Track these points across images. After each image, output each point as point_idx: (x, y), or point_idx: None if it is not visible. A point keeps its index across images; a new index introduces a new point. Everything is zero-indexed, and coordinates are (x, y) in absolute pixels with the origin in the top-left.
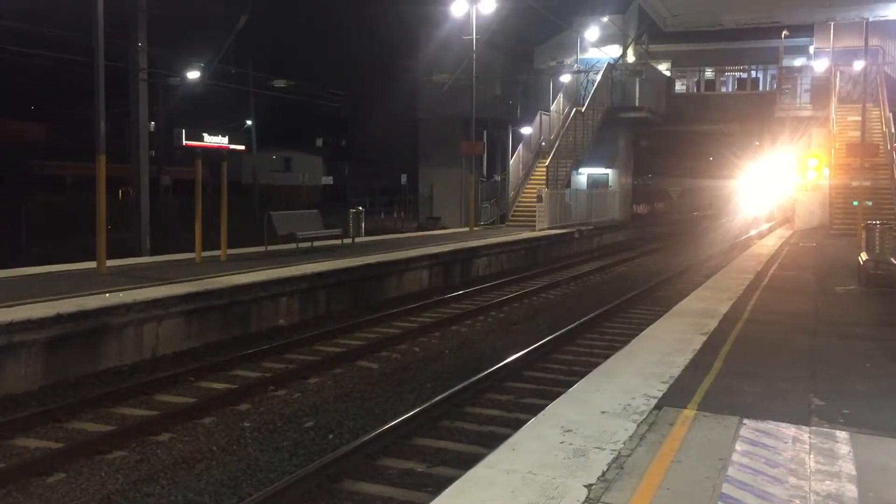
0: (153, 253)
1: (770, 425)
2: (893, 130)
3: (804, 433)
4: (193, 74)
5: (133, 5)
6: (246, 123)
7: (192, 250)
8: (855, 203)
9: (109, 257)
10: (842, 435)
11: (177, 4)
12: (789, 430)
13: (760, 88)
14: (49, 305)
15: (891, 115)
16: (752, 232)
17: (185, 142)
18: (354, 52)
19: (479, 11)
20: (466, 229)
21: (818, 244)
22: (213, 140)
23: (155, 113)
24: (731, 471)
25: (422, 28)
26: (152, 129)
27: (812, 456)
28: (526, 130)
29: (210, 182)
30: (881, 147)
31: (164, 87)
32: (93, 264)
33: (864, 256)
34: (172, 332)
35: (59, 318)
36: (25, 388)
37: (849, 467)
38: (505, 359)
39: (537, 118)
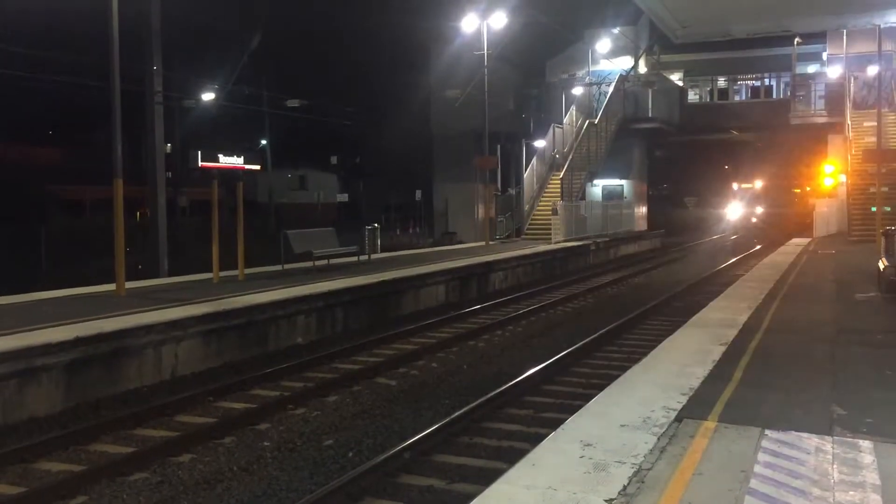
0: (171, 274)
1: (792, 436)
2: None
3: (827, 443)
4: (208, 96)
5: (148, 29)
6: (261, 143)
7: (209, 270)
8: (873, 209)
9: (128, 279)
10: (865, 444)
11: (191, 27)
12: (812, 440)
13: (774, 96)
14: (69, 329)
15: None
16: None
17: (200, 163)
18: (367, 69)
19: (490, 27)
20: (482, 244)
21: (837, 251)
22: (228, 160)
23: (171, 134)
24: (753, 483)
25: (433, 44)
26: (168, 151)
27: (835, 466)
28: (539, 143)
29: (226, 202)
30: None
31: (179, 109)
32: (112, 287)
33: (883, 263)
34: (191, 352)
35: (78, 342)
36: (47, 412)
37: (873, 477)
38: (523, 373)
39: (550, 131)
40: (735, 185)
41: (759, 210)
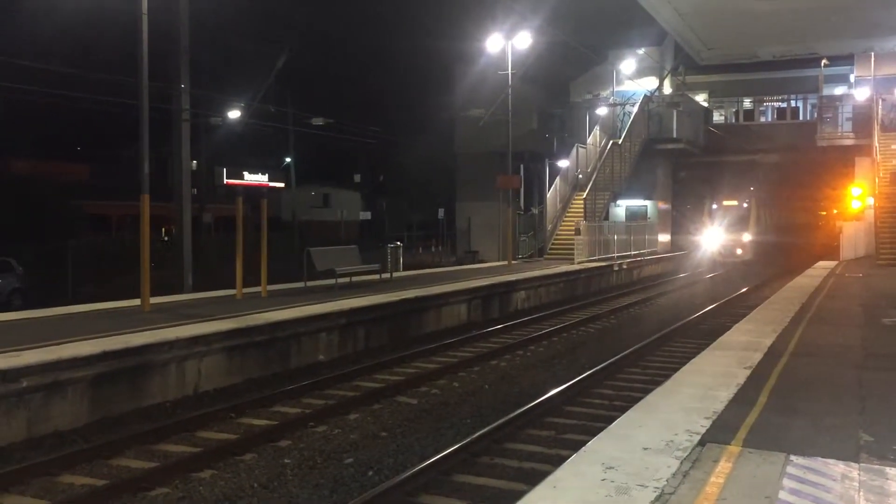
0: (195, 289)
1: (818, 462)
2: None
3: (853, 470)
4: (234, 114)
5: (176, 48)
6: (285, 161)
7: (233, 286)
8: None
9: (153, 294)
10: (892, 472)
11: (219, 46)
12: (838, 466)
13: (801, 118)
14: (95, 343)
15: None
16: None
17: (226, 180)
18: (392, 89)
19: (515, 47)
20: (504, 263)
21: (864, 274)
22: (253, 178)
23: (197, 152)
24: None
25: (458, 64)
26: (194, 168)
27: (862, 493)
28: (563, 163)
29: (250, 218)
30: None
31: (205, 127)
32: (137, 302)
33: None
34: (214, 368)
35: (104, 356)
36: (72, 425)
37: None
38: (545, 394)
39: (574, 151)
40: (714, 205)
41: (748, 238)
